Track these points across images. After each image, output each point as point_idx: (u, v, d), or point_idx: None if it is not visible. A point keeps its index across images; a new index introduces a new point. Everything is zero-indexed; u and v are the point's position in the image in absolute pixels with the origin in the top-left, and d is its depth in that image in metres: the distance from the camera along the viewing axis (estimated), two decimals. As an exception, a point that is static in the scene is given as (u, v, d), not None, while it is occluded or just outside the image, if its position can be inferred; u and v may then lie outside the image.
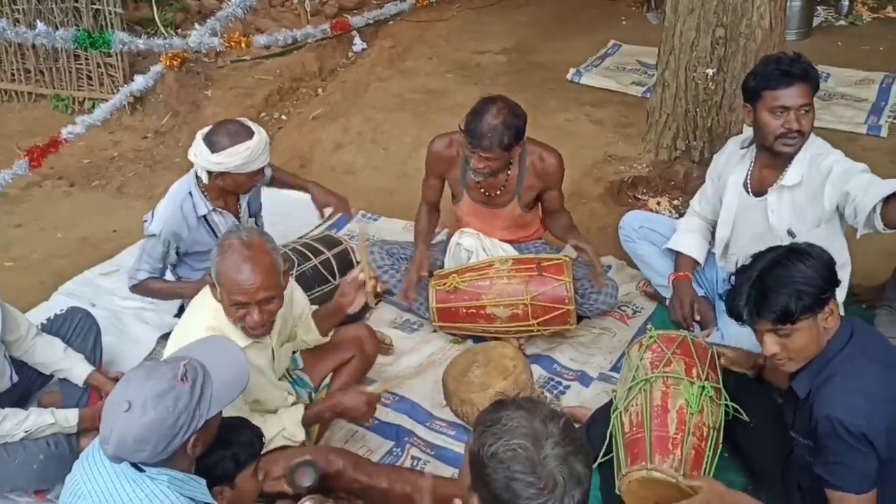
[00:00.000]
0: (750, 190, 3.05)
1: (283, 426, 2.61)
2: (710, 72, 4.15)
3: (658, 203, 4.37)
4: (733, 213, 3.12)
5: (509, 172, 3.41)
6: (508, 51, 6.11)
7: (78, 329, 3.18)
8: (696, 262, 3.29)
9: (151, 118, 5.68)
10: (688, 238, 3.33)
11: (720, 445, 2.49)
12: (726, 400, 2.55)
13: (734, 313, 2.21)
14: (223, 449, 2.15)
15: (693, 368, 2.54)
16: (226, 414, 2.36)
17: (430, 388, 3.16)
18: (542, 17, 6.70)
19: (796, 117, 2.79)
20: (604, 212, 4.26)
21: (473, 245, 3.54)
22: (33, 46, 5.65)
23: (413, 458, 2.91)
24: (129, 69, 5.71)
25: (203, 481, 2.01)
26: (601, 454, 2.56)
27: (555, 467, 1.48)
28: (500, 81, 5.58)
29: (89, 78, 5.79)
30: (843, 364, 2.16)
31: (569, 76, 5.64)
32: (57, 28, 5.22)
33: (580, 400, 3.10)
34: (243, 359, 2.12)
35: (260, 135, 3.10)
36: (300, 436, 2.66)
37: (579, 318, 3.44)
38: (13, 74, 5.95)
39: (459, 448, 2.95)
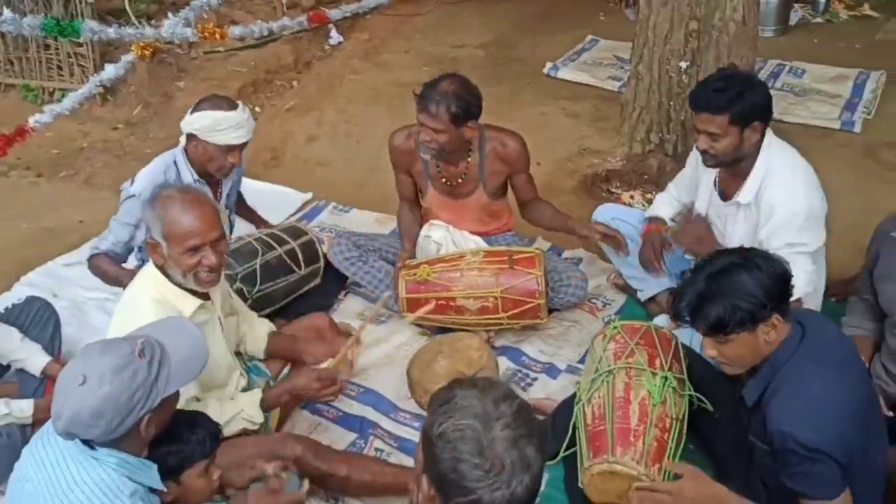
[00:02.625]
0: (717, 192, 3.04)
1: (240, 408, 2.57)
2: (683, 65, 4.14)
3: (631, 197, 4.35)
4: (705, 212, 3.10)
5: (469, 160, 3.36)
6: (486, 45, 6.08)
7: (36, 319, 3.12)
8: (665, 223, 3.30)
9: (122, 109, 5.60)
10: (662, 205, 3.35)
11: (684, 436, 2.46)
12: (690, 390, 2.52)
13: (676, 313, 2.17)
14: (172, 443, 2.09)
15: (656, 359, 2.51)
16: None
17: (395, 379, 3.12)
18: (521, 12, 6.67)
19: (706, 142, 2.81)
20: (577, 204, 4.22)
21: (443, 238, 3.49)
22: (1, 35, 5.56)
23: (377, 449, 2.86)
24: (101, 59, 5.62)
25: (154, 466, 1.96)
26: (564, 447, 2.52)
27: (503, 450, 1.43)
28: (476, 75, 5.36)
29: (59, 68, 5.70)
30: (791, 373, 2.11)
31: (545, 70, 5.62)
32: (24, 15, 5.13)
33: (547, 392, 3.07)
34: (202, 339, 2.07)
35: (241, 113, 3.10)
36: (258, 418, 2.62)
37: (550, 311, 3.41)
38: (-18, 64, 5.86)
39: (424, 440, 2.91)
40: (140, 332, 2.00)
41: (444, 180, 3.41)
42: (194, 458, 2.14)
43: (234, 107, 3.11)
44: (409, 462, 2.79)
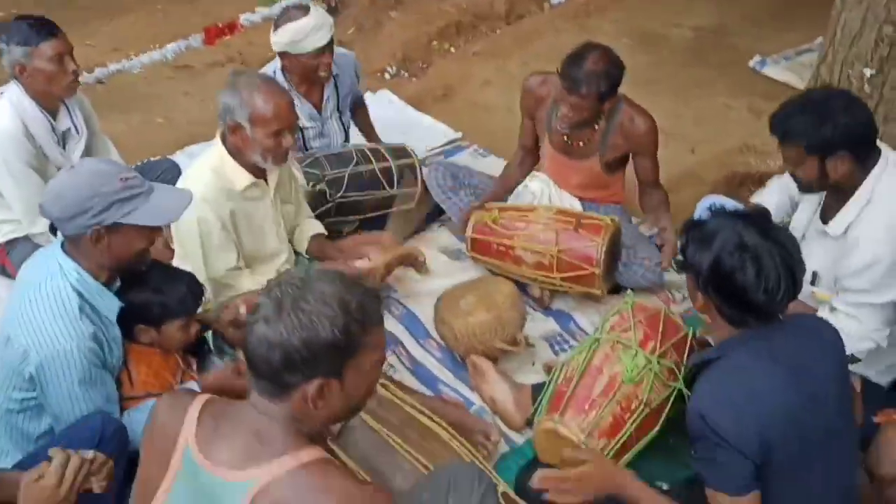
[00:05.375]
0: (820, 209, 2.71)
1: (261, 282, 2.78)
2: (868, 72, 3.71)
3: (780, 205, 3.99)
4: (804, 224, 2.81)
5: (597, 126, 3.28)
6: (701, 28, 5.76)
7: (161, 177, 3.52)
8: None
9: (339, 28, 5.99)
10: (772, 193, 3.03)
11: (655, 427, 2.31)
12: (681, 384, 2.34)
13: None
14: (154, 293, 2.35)
15: (650, 342, 2.36)
16: (220, 250, 2.68)
17: (439, 308, 3.18)
18: (760, 2, 6.21)
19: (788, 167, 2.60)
20: (711, 199, 3.97)
21: (540, 190, 3.46)
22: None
23: (389, 364, 2.96)
24: (332, -25, 6.06)
25: (114, 298, 2.23)
26: (536, 407, 2.48)
27: None
28: (673, 57, 5.33)
29: (297, -21, 6.23)
30: (737, 350, 1.93)
31: (751, 63, 5.24)
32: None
33: (578, 362, 2.98)
34: (178, 212, 2.29)
35: (314, 16, 3.30)
36: None
37: (619, 288, 3.28)
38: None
39: (437, 371, 2.98)
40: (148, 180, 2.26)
41: (564, 137, 3.37)
42: (175, 313, 2.40)
43: (307, 12, 3.31)
44: (412, 383, 2.88)
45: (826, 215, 2.66)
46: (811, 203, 2.79)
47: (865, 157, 2.50)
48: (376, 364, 1.56)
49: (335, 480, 1.42)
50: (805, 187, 2.60)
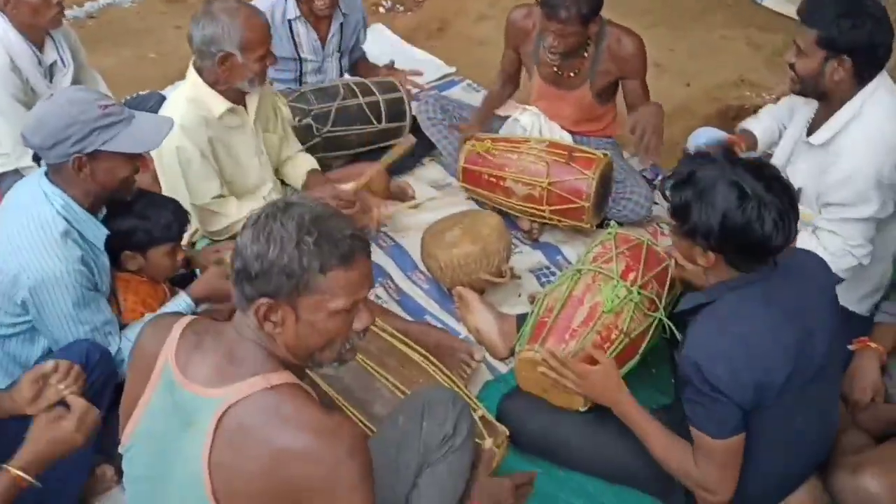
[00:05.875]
0: (808, 126, 2.68)
1: (247, 212, 2.79)
2: (867, 2, 3.64)
3: (775, 141, 3.97)
4: (793, 143, 2.79)
5: (585, 54, 3.25)
6: (703, -44, 5.66)
7: (150, 111, 3.51)
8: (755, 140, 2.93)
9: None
10: (762, 120, 2.99)
11: (635, 357, 2.35)
12: (661, 314, 2.36)
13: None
14: (139, 219, 2.36)
15: (632, 273, 2.38)
16: (202, 178, 2.69)
17: (427, 242, 3.19)
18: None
19: (792, 54, 2.50)
20: (703, 133, 3.94)
21: (531, 124, 3.44)
22: None
23: (377, 297, 2.99)
24: None
25: (103, 229, 2.24)
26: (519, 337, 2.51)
27: None
28: (674, -14, 5.23)
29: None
30: (730, 294, 1.93)
31: (752, -6, 5.16)
32: None
33: (563, 294, 3.01)
34: (159, 138, 2.29)
35: None
36: None
37: (609, 221, 3.28)
38: None
39: (424, 302, 3.01)
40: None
41: (554, 68, 3.33)
42: (161, 239, 2.40)
43: None
44: (395, 311, 2.92)
45: (812, 129, 2.62)
46: (800, 122, 2.75)
47: (865, 75, 2.44)
48: (338, 314, 1.48)
49: (302, 406, 1.45)
50: (799, 83, 2.52)
